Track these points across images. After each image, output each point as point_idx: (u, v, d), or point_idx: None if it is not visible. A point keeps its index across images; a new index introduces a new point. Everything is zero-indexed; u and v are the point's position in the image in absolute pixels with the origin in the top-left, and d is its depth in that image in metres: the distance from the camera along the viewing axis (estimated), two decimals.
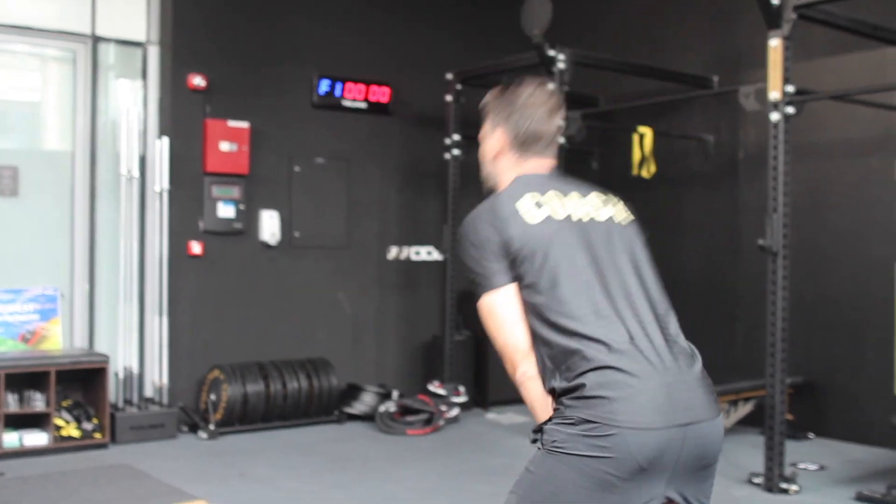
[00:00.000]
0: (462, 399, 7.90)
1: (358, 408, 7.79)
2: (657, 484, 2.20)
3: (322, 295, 8.20)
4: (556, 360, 2.28)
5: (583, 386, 2.21)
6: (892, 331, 6.88)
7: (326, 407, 7.60)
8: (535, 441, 2.31)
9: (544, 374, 2.31)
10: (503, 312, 2.37)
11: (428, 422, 7.48)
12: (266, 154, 7.87)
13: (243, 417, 7.22)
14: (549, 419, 2.28)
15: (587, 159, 8.88)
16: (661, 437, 2.17)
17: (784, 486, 5.59)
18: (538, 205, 2.40)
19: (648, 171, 7.80)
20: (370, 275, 8.50)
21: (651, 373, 2.23)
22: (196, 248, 7.49)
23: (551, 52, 7.06)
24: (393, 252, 8.62)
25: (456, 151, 8.17)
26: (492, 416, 8.13)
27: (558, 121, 2.57)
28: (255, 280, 7.84)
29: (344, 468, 6.24)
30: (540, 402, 2.33)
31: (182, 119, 7.49)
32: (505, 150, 2.56)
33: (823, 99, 6.43)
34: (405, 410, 7.61)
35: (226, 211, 7.63)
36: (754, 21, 7.69)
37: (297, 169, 8.07)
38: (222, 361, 7.38)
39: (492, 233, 2.36)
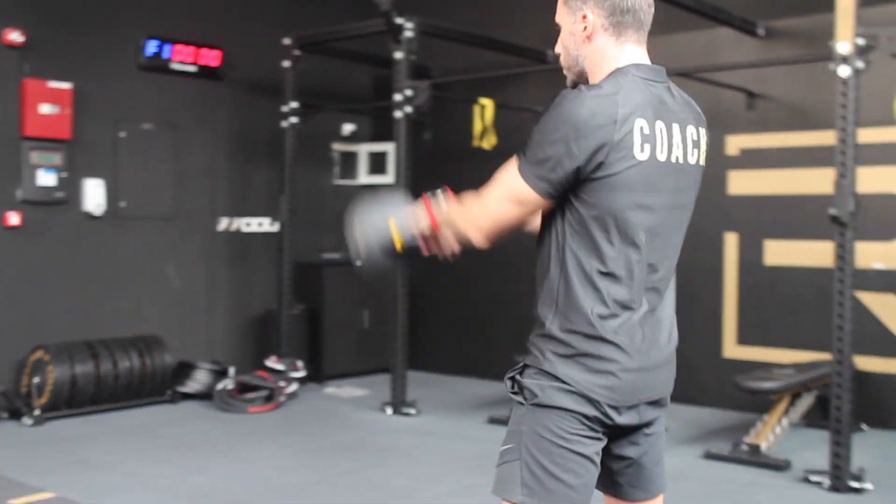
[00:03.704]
0: (300, 374, 7.69)
1: (192, 386, 7.44)
2: (619, 430, 2.31)
3: (150, 268, 7.76)
4: (564, 301, 2.21)
5: (573, 348, 2.20)
6: (719, 300, 7.25)
7: (159, 386, 7.22)
8: (514, 393, 2.29)
9: (544, 300, 2.25)
10: (515, 212, 2.23)
11: (269, 398, 7.24)
12: (90, 118, 7.34)
13: (71, 400, 6.73)
14: (526, 367, 2.27)
15: (419, 130, 8.81)
16: (631, 411, 2.27)
17: (856, 485, 5.08)
18: (645, 136, 2.15)
19: (489, 142, 7.82)
20: (200, 247, 8.12)
21: (638, 354, 2.23)
22: (14, 219, 6.90)
23: (399, 21, 6.93)
24: (223, 223, 8.28)
25: (294, 119, 7.91)
26: (330, 389, 7.98)
27: None
28: (78, 253, 7.31)
29: (193, 450, 5.94)
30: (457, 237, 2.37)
31: None
32: (597, 31, 2.26)
33: (673, 76, 6.63)
34: (243, 387, 7.34)
35: (46, 179, 7.06)
36: None
37: (122, 135, 7.58)
38: (45, 341, 6.86)
39: (593, 140, 2.10)
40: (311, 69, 7.98)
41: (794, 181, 6.94)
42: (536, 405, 2.22)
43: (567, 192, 2.19)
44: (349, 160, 9.25)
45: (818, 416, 6.44)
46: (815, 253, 6.76)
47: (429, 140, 8.70)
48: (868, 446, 5.87)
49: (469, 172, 8.80)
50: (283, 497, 4.98)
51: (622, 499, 2.43)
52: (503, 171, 2.26)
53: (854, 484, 5.09)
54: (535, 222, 2.36)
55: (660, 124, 2.20)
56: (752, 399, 6.40)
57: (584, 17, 2.28)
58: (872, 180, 6.27)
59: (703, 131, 2.35)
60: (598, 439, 2.25)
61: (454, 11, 8.53)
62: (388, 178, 8.99)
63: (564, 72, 2.38)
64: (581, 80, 2.33)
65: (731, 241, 7.20)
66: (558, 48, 2.38)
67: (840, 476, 5.09)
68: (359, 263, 2.55)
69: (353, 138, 9.30)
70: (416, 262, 2.66)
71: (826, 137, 6.63)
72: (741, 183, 7.17)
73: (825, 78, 6.15)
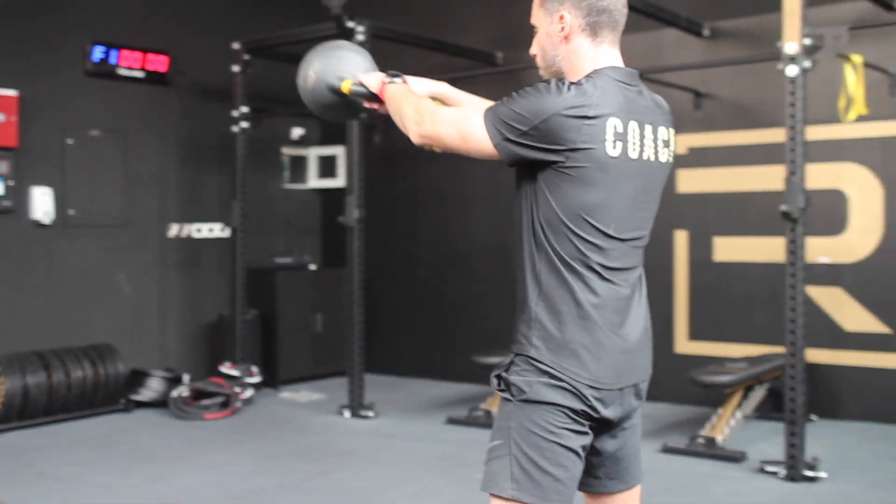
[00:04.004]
0: (256, 379, 7.66)
1: (146, 394, 7.36)
2: (603, 425, 2.36)
3: (100, 276, 7.67)
4: (549, 284, 2.28)
5: (558, 332, 2.26)
6: (670, 297, 7.37)
7: (113, 395, 7.13)
8: (501, 390, 2.33)
9: (527, 284, 2.32)
10: (456, 135, 2.31)
11: (225, 404, 7.20)
12: (36, 125, 7.23)
13: (24, 412, 6.62)
14: (513, 364, 2.32)
15: (369, 133, 8.82)
16: (616, 394, 2.33)
17: (811, 473, 5.20)
18: (618, 135, 2.23)
19: None
20: (151, 254, 8.04)
21: (620, 336, 2.32)
22: None
23: (350, 24, 6.94)
24: (174, 230, 8.20)
25: (244, 124, 7.86)
26: (286, 394, 7.95)
27: None
28: (27, 262, 7.20)
29: (152, 458, 5.88)
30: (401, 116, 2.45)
31: None
32: (574, 31, 2.34)
33: None
34: (198, 394, 7.28)
35: None
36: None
37: (69, 142, 7.48)
38: None
39: (568, 132, 2.18)
40: (259, 73, 7.93)
41: (741, 179, 7.09)
42: (524, 401, 2.27)
43: (540, 180, 2.26)
44: (299, 164, 9.23)
45: (769, 408, 6.59)
46: (763, 249, 6.91)
47: (378, 143, 8.72)
48: (819, 436, 6.01)
49: (422, 174, 8.95)
50: (250, 503, 4.95)
51: (601, 492, 2.49)
52: (470, 107, 2.37)
53: (809, 473, 5.21)
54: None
55: (633, 125, 2.27)
56: (705, 393, 6.52)
57: (562, 17, 2.34)
58: (818, 177, 6.43)
59: (671, 131, 2.43)
60: (585, 433, 2.30)
61: (404, 14, 8.57)
62: (339, 181, 8.99)
63: (541, 72, 2.44)
64: (558, 79, 2.37)
65: (681, 239, 7.33)
66: (534, 49, 2.45)
67: (795, 465, 5.21)
68: (303, 86, 2.77)
69: (303, 142, 9.27)
70: (353, 113, 2.80)
71: (771, 135, 6.80)
72: (690, 181, 7.30)
73: (770, 77, 6.31)
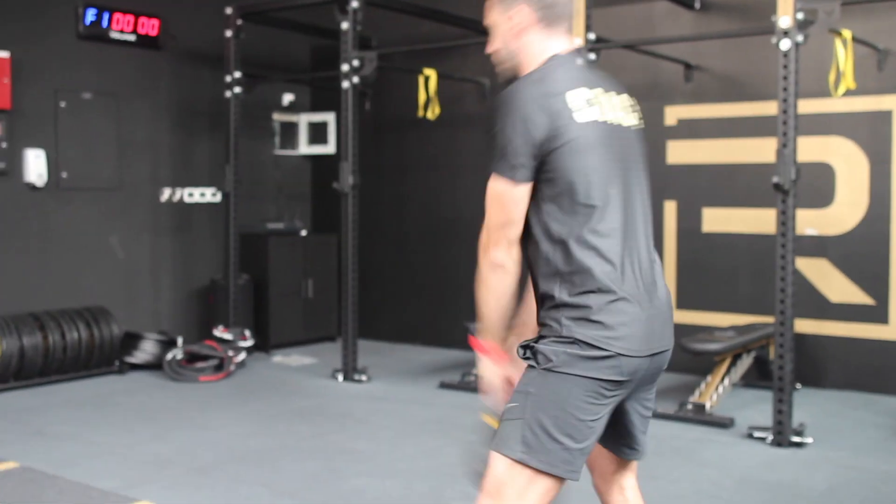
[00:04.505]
0: (248, 343, 7.73)
1: (140, 357, 7.43)
2: (626, 392, 2.44)
3: (93, 240, 7.70)
4: (566, 268, 2.35)
5: (586, 307, 2.33)
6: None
7: (108, 357, 7.19)
8: (526, 358, 2.40)
9: (545, 276, 2.38)
10: (512, 208, 2.37)
11: (219, 367, 7.27)
12: (29, 87, 7.23)
13: (20, 373, 6.68)
14: (542, 337, 2.39)
15: (361, 100, 8.86)
16: (643, 361, 2.40)
17: (797, 439, 5.36)
18: (588, 102, 2.38)
19: (433, 112, 7.92)
20: (143, 218, 8.08)
21: (641, 303, 2.40)
22: None
23: None
24: (166, 194, 8.23)
25: (237, 89, 7.88)
26: (278, 358, 8.03)
27: None
28: (21, 225, 7.22)
29: (150, 418, 5.97)
30: (498, 297, 2.43)
31: None
32: (531, 26, 2.49)
33: (617, 47, 6.84)
34: (192, 357, 7.35)
35: None
36: None
37: (62, 104, 7.48)
38: None
39: (541, 117, 2.31)
40: (251, 39, 7.93)
41: (730, 151, 7.20)
42: (548, 370, 2.33)
43: (541, 173, 2.36)
44: (289, 130, 9.26)
45: (755, 377, 6.74)
46: (751, 220, 7.04)
47: (369, 110, 8.77)
48: (804, 404, 6.16)
49: (412, 142, 9.01)
50: (249, 462, 5.05)
51: (617, 455, 2.63)
52: (493, 200, 2.40)
53: (795, 438, 5.36)
54: None
55: (598, 91, 2.43)
56: (694, 361, 6.66)
57: (515, 14, 2.49)
58: (806, 150, 6.54)
59: (632, 99, 2.58)
60: (604, 405, 2.36)
61: None
62: (330, 147, 9.03)
63: (498, 68, 2.58)
64: (516, 72, 2.53)
65: (670, 209, 7.44)
66: (492, 47, 2.58)
67: (782, 431, 5.36)
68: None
69: (293, 108, 9.30)
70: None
71: (760, 108, 6.90)
72: (679, 152, 7.40)
73: (760, 50, 6.42)
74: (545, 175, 2.34)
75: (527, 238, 2.43)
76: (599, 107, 2.41)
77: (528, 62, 2.49)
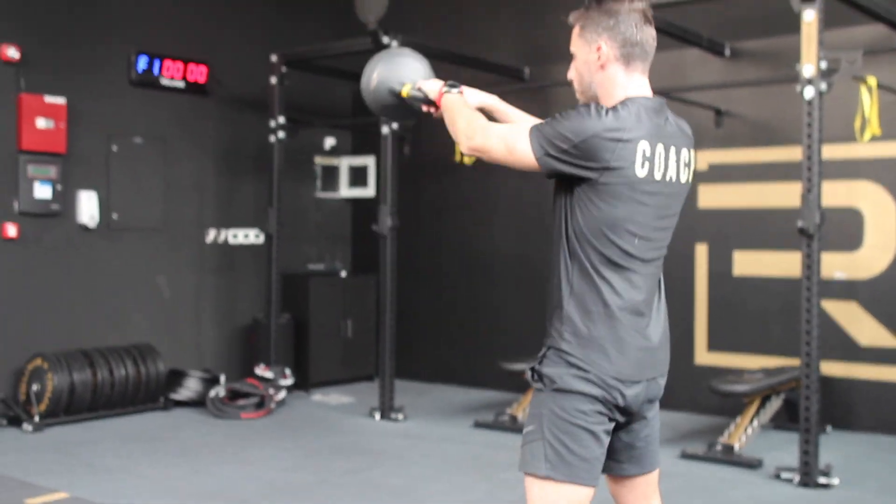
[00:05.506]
0: (289, 381, 7.95)
1: (183, 393, 7.67)
2: (626, 415, 2.66)
3: (141, 279, 7.98)
4: (579, 289, 2.57)
5: (588, 329, 2.56)
6: (690, 309, 7.61)
7: (153, 394, 7.44)
8: (534, 381, 2.64)
9: (560, 287, 2.60)
10: (510, 161, 2.61)
11: (260, 405, 7.49)
12: (83, 132, 7.56)
13: (69, 407, 6.93)
14: (546, 358, 2.62)
15: (400, 144, 9.11)
16: (639, 386, 2.63)
17: (824, 480, 5.45)
18: (646, 158, 2.52)
19: (470, 157, 8.12)
20: (188, 258, 8.36)
21: (642, 335, 2.62)
22: (11, 230, 7.10)
23: (385, 39, 7.22)
24: (211, 235, 8.52)
25: (281, 134, 8.16)
26: (317, 397, 8.23)
27: (653, 31, 2.64)
28: (73, 263, 7.52)
29: (195, 453, 6.18)
30: (457, 126, 2.74)
31: None
32: (610, 61, 2.62)
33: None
34: (234, 394, 7.58)
35: (42, 191, 7.27)
36: (563, 15, 8.23)
37: (114, 148, 7.80)
38: (41, 349, 7.04)
39: (604, 152, 2.46)
40: (294, 85, 8.23)
41: (760, 195, 7.34)
42: (555, 390, 2.58)
43: (575, 194, 2.56)
44: (330, 174, 9.53)
45: (785, 419, 6.83)
46: (781, 263, 7.15)
47: (408, 155, 9.01)
48: (833, 446, 6.25)
49: (449, 185, 9.24)
50: (290, 496, 5.24)
51: (622, 475, 2.80)
52: (517, 124, 2.66)
53: (822, 479, 5.45)
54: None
55: (660, 148, 2.57)
56: (723, 402, 6.77)
57: (599, 48, 2.64)
58: (834, 194, 6.67)
59: (693, 153, 2.73)
60: (608, 420, 2.59)
61: (435, 30, 8.87)
62: (369, 190, 9.28)
63: (578, 95, 2.74)
64: (596, 104, 2.64)
65: (701, 252, 7.58)
66: (571, 74, 2.75)
67: (809, 472, 5.46)
68: (365, 88, 3.09)
69: (334, 152, 9.58)
70: (410, 115, 3.15)
71: (789, 153, 7.04)
72: (710, 196, 7.55)
73: (788, 96, 6.56)
74: (585, 201, 2.54)
75: (554, 240, 2.65)
76: (661, 162, 2.57)
77: (606, 97, 2.63)
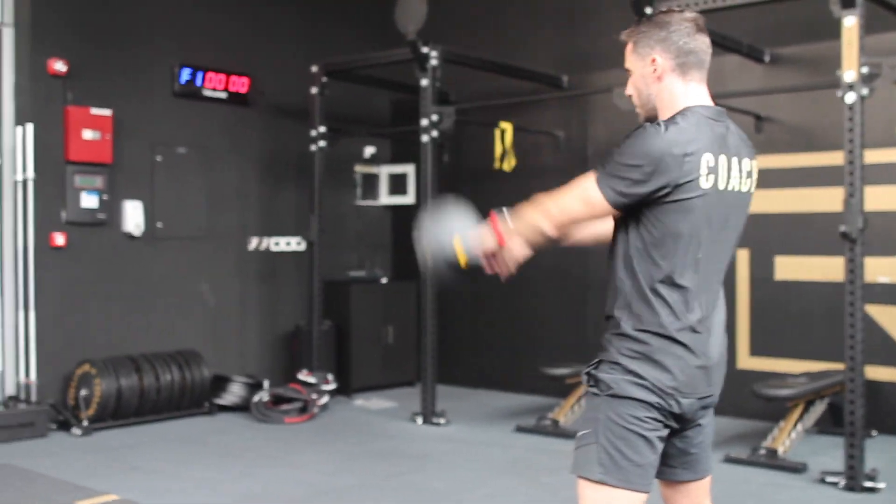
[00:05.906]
0: (331, 387, 8.02)
1: (228, 398, 7.77)
2: (678, 425, 2.67)
3: (185, 286, 8.11)
4: (636, 305, 2.56)
5: (647, 345, 2.55)
6: (732, 314, 7.59)
7: (198, 399, 7.55)
8: (590, 386, 2.65)
9: (616, 301, 2.60)
10: (585, 213, 2.61)
11: (303, 410, 7.57)
12: (128, 143, 7.71)
13: (117, 412, 7.06)
14: (602, 363, 2.62)
15: (439, 152, 9.17)
16: (693, 401, 2.63)
17: (870, 484, 5.42)
18: (710, 168, 2.51)
19: (509, 164, 8.19)
20: (232, 265, 8.47)
21: (699, 354, 2.60)
22: (59, 239, 7.24)
23: (425, 49, 7.30)
24: (254, 243, 8.63)
25: (322, 143, 8.26)
26: (359, 402, 8.30)
27: (707, 39, 2.64)
28: (119, 272, 7.66)
29: (240, 456, 6.27)
30: (534, 234, 2.72)
31: (42, 105, 7.22)
32: (666, 72, 2.61)
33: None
34: (278, 399, 7.66)
35: (89, 201, 7.41)
36: (600, 24, 8.30)
37: (159, 158, 7.94)
38: (88, 356, 7.18)
39: (672, 170, 2.45)
40: (335, 95, 8.32)
41: (801, 200, 7.31)
42: (611, 396, 2.58)
43: (637, 211, 2.55)
44: (370, 181, 9.61)
45: (829, 424, 6.79)
46: (823, 268, 7.12)
47: (447, 162, 9.07)
48: (879, 451, 6.21)
49: (488, 193, 9.25)
50: (333, 499, 5.31)
51: (675, 480, 2.81)
52: (580, 179, 2.63)
53: (868, 483, 5.42)
54: (606, 227, 2.75)
55: (722, 158, 2.56)
56: (767, 407, 6.74)
57: (654, 60, 2.63)
58: (877, 199, 6.63)
59: (754, 163, 2.71)
60: (662, 427, 2.60)
61: (474, 39, 8.92)
62: (409, 198, 9.35)
63: (637, 110, 2.74)
64: (652, 116, 2.68)
65: (742, 258, 7.56)
66: (629, 90, 2.74)
67: (855, 476, 5.43)
68: (427, 273, 2.98)
69: (374, 161, 9.66)
70: (479, 275, 3.01)
71: (830, 158, 7.01)
72: (752, 202, 7.50)
73: (828, 102, 6.53)
74: (647, 217, 2.53)
75: (611, 256, 2.65)
76: (725, 172, 2.56)
77: (665, 108, 2.62)
